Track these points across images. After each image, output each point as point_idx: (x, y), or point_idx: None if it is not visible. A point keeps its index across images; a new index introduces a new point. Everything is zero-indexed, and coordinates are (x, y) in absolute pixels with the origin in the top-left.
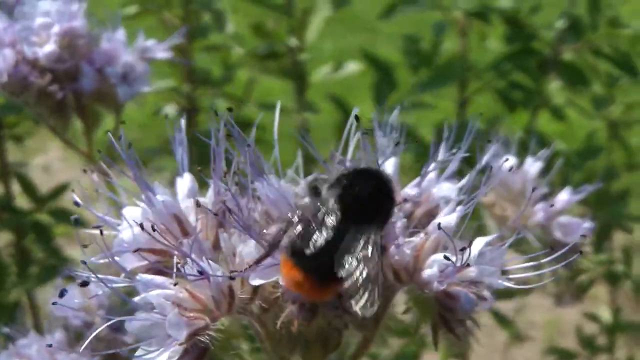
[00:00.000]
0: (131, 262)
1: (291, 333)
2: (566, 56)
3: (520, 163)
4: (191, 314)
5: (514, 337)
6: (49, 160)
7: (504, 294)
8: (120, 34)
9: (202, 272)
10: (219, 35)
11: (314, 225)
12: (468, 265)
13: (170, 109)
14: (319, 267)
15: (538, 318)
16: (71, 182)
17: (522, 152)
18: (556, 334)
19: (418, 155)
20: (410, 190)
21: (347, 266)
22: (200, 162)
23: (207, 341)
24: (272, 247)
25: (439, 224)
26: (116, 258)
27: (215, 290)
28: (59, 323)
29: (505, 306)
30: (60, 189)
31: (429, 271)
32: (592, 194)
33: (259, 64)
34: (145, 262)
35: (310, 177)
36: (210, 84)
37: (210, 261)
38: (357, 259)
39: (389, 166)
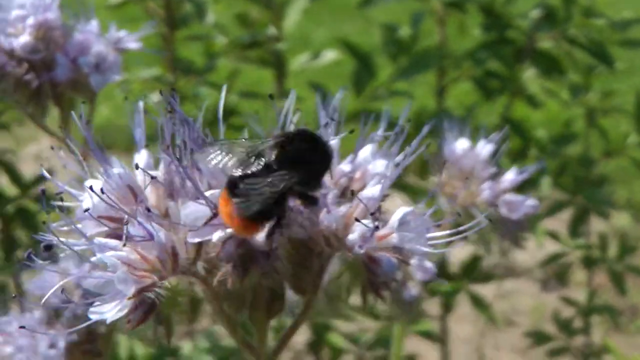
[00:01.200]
0: (91, 228)
1: (234, 295)
2: (542, 45)
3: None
4: (140, 273)
5: (491, 321)
6: (40, 149)
7: (482, 277)
8: (93, 25)
9: (149, 235)
10: (203, 26)
11: (250, 161)
12: (391, 232)
13: (156, 97)
14: None
15: (524, 304)
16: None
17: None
18: (542, 320)
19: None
20: (344, 166)
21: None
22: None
23: (155, 298)
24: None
25: (363, 194)
26: (78, 225)
27: (159, 250)
28: (38, 302)
29: (489, 292)
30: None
31: (351, 236)
32: (570, 180)
33: (241, 53)
34: (105, 229)
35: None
36: (194, 73)
37: (154, 224)
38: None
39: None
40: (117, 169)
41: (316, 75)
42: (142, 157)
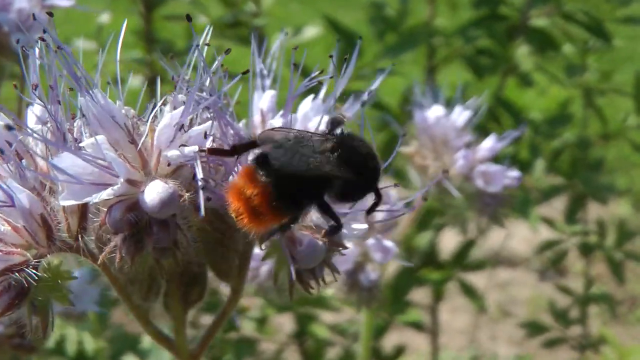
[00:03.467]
0: None
1: (139, 278)
2: (536, 22)
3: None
4: (9, 249)
5: (482, 310)
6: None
7: (474, 266)
8: None
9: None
10: (181, 4)
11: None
12: None
13: (136, 80)
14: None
15: (521, 294)
16: None
17: (492, 120)
18: (539, 310)
19: (383, 121)
20: (276, 121)
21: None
22: None
23: (24, 281)
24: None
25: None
26: None
27: (24, 218)
28: None
29: (486, 282)
30: None
31: None
32: (567, 163)
33: (224, 32)
34: None
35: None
36: (174, 54)
37: (12, 182)
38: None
39: (264, 98)
40: None
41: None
42: (36, 110)
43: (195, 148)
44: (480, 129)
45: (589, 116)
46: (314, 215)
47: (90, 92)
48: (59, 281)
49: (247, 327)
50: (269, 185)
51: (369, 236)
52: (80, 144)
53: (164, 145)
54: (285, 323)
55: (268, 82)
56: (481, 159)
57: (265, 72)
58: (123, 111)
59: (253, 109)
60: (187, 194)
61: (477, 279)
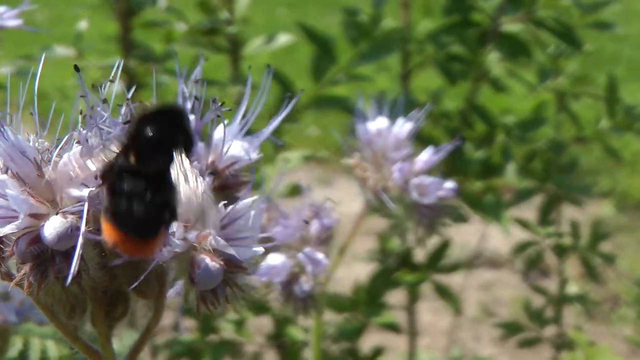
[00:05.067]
0: None
1: (61, 298)
2: (507, 28)
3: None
4: None
5: (457, 312)
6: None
7: (448, 268)
8: None
9: None
10: (158, 11)
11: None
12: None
13: (116, 86)
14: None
15: (504, 295)
16: None
17: (465, 126)
18: (522, 311)
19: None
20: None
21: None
22: None
23: None
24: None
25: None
26: None
27: None
28: None
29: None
30: None
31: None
32: (540, 167)
33: (199, 39)
34: None
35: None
36: (152, 60)
37: None
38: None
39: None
40: None
41: (276, 60)
42: None
43: (87, 191)
44: (453, 134)
45: (564, 119)
46: (210, 240)
47: (2, 129)
48: None
49: (227, 329)
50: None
51: (302, 248)
52: None
53: (65, 183)
54: (263, 324)
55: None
56: (417, 172)
57: (187, 94)
58: (37, 144)
59: None
60: (85, 228)
61: (459, 280)
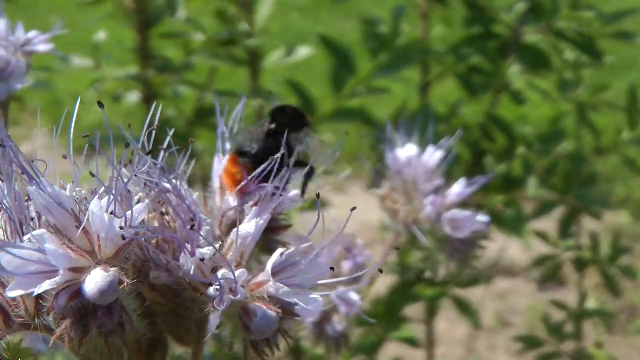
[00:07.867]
0: None
1: (100, 350)
2: (528, 39)
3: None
4: None
5: (476, 326)
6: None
7: (468, 282)
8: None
9: None
10: (176, 22)
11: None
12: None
13: (133, 97)
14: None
15: (520, 304)
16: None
17: (485, 138)
18: (537, 320)
19: (376, 140)
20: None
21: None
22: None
23: None
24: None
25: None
26: None
27: None
28: None
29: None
30: None
31: (211, 289)
32: (560, 180)
33: (218, 50)
34: None
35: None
36: (170, 71)
37: None
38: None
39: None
40: None
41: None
42: None
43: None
44: (473, 147)
45: (584, 130)
46: (268, 287)
47: (38, 181)
48: (19, 358)
49: None
50: (247, 164)
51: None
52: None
53: (100, 230)
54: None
55: (229, 146)
56: (449, 205)
57: (227, 134)
58: (74, 193)
59: (213, 174)
60: (128, 281)
61: (478, 292)
